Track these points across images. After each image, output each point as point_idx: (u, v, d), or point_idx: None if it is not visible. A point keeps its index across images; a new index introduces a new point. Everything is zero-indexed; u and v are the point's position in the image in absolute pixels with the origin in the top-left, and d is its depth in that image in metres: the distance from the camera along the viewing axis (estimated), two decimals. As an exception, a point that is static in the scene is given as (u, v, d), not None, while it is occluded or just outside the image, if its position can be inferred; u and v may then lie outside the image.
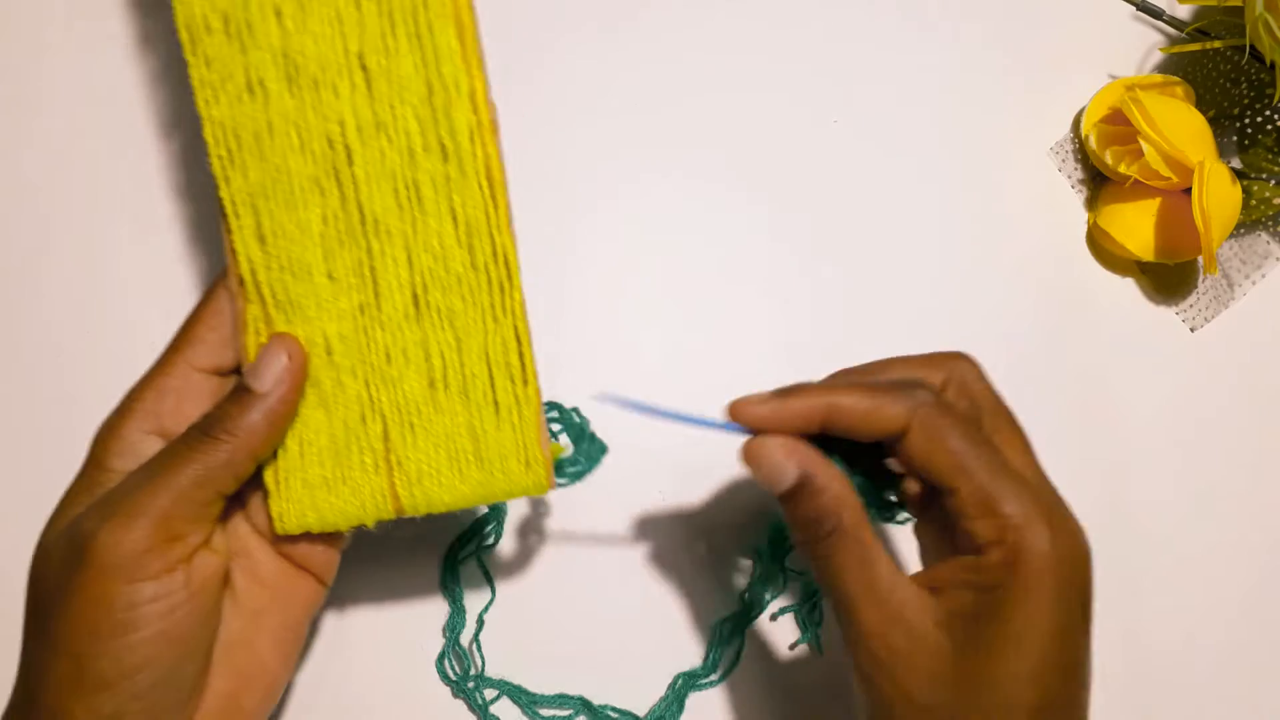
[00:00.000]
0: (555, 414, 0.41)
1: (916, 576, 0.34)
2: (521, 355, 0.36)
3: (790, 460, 0.34)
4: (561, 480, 0.38)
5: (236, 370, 0.37)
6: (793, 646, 0.43)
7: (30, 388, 0.45)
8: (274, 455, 0.35)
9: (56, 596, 0.32)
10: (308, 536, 0.37)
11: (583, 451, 0.40)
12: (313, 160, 0.34)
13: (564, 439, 0.44)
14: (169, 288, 0.46)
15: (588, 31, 0.48)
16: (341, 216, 0.35)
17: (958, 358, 0.37)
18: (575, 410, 0.41)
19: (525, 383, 0.36)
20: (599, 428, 0.41)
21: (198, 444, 0.33)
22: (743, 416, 0.35)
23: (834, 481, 0.34)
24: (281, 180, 0.34)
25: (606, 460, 0.41)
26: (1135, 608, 0.46)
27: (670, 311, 0.47)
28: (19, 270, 0.46)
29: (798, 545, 0.35)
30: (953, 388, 0.36)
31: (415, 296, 0.35)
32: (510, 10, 0.48)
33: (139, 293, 0.46)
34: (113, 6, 0.47)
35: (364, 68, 0.34)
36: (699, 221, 0.48)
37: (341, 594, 0.44)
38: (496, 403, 0.36)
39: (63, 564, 0.33)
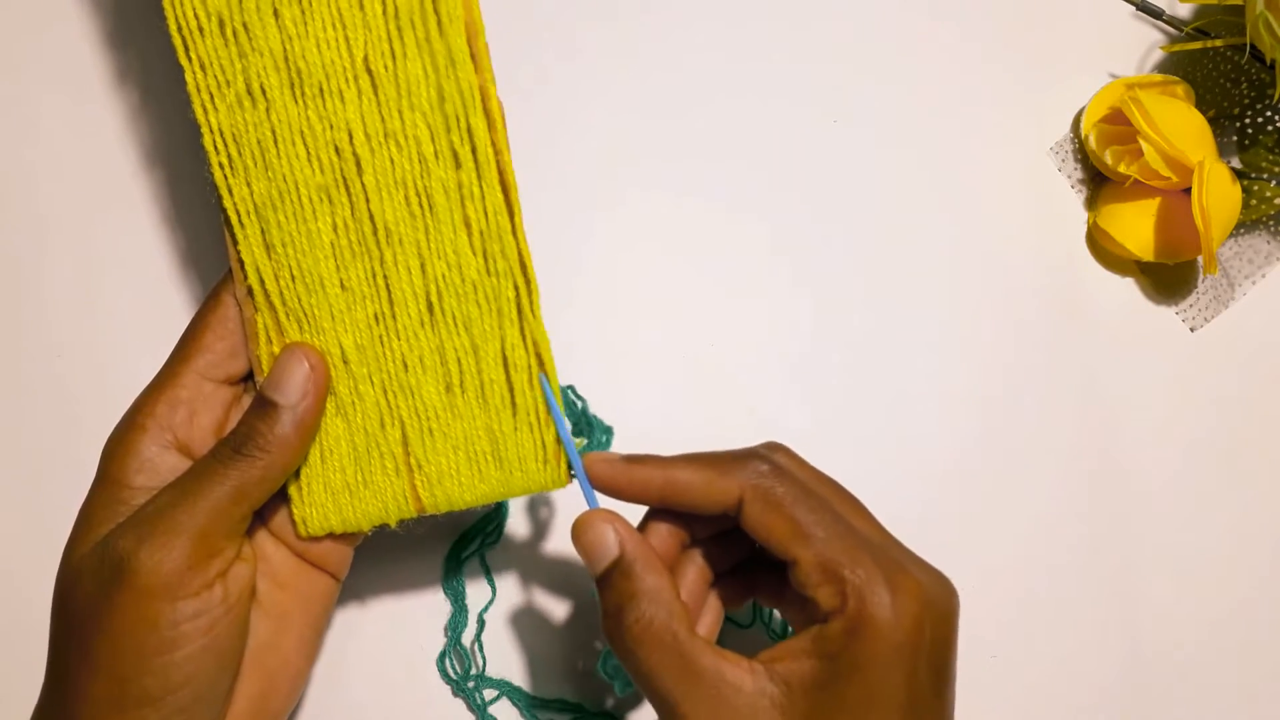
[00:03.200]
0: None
1: (760, 656, 0.32)
2: (540, 358, 0.35)
3: (613, 539, 0.34)
4: (573, 473, 0.38)
5: (248, 377, 0.36)
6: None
7: (28, 393, 0.45)
8: None
9: (94, 617, 0.32)
10: (328, 536, 0.37)
11: (595, 443, 0.41)
12: (320, 169, 0.34)
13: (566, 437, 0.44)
14: (165, 305, 0.46)
15: (587, 36, 0.48)
16: (353, 226, 0.34)
17: (769, 448, 0.36)
18: (571, 387, 0.41)
19: (534, 384, 0.35)
20: (610, 416, 0.41)
21: (230, 461, 0.33)
22: (590, 470, 0.35)
23: (650, 573, 0.33)
24: (289, 190, 0.34)
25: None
26: (1134, 608, 0.46)
27: (670, 310, 0.47)
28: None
29: (609, 639, 0.34)
30: None
31: (430, 304, 0.35)
32: (510, 15, 0.48)
33: (138, 308, 0.46)
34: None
35: (370, 72, 0.33)
36: (698, 221, 0.48)
37: (343, 591, 0.44)
38: (514, 405, 0.36)
39: (99, 584, 0.32)
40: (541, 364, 0.36)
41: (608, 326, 0.47)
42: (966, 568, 0.44)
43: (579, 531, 0.34)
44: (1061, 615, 0.46)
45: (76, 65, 0.46)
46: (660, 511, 0.36)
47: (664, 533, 0.36)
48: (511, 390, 0.36)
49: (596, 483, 0.35)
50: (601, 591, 0.34)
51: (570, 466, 0.39)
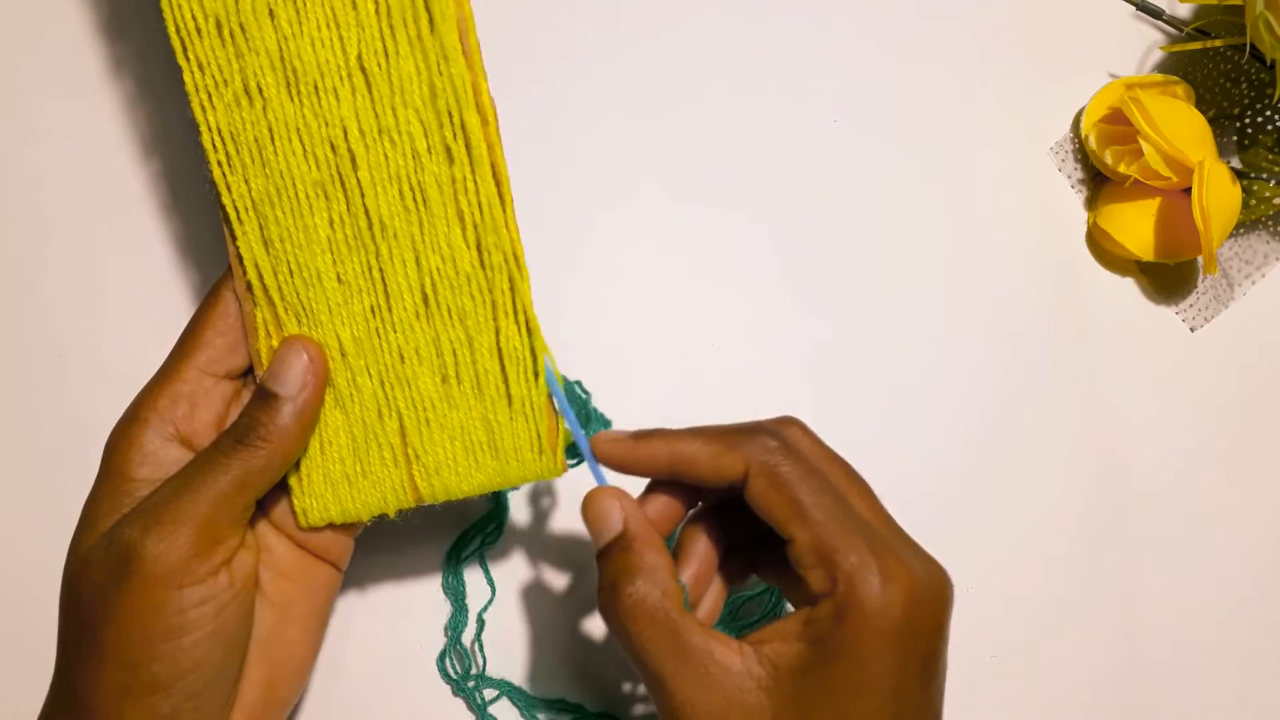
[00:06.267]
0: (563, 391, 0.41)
1: (748, 637, 0.33)
2: (533, 349, 0.36)
3: (618, 515, 0.34)
4: (571, 462, 0.38)
5: (247, 373, 0.37)
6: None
7: (28, 393, 0.45)
8: None
9: (102, 606, 0.33)
10: (328, 526, 0.37)
11: (591, 433, 0.41)
12: (316, 166, 0.34)
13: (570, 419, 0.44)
14: (165, 299, 0.46)
15: (586, 34, 0.48)
16: (348, 220, 0.35)
17: (783, 422, 0.36)
18: (578, 383, 0.42)
19: (537, 374, 0.36)
20: (610, 416, 0.42)
21: (233, 451, 0.34)
22: (598, 450, 0.36)
23: (649, 549, 0.34)
24: (285, 186, 0.34)
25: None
26: (1134, 607, 0.46)
27: (669, 310, 0.47)
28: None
29: (603, 613, 0.34)
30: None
31: (425, 297, 0.35)
32: (509, 13, 0.48)
33: (137, 303, 0.46)
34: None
35: (363, 70, 0.34)
36: (698, 221, 0.48)
37: (343, 590, 0.44)
38: (509, 395, 0.36)
39: (107, 574, 0.33)
40: (535, 354, 0.36)
41: (607, 326, 0.47)
42: (966, 566, 0.44)
43: (586, 506, 0.35)
44: (1060, 615, 0.46)
45: (72, 60, 0.46)
46: (663, 481, 0.36)
47: (664, 501, 0.36)
48: (506, 381, 0.36)
49: (604, 460, 0.36)
50: (600, 565, 0.34)
51: (577, 450, 0.39)
